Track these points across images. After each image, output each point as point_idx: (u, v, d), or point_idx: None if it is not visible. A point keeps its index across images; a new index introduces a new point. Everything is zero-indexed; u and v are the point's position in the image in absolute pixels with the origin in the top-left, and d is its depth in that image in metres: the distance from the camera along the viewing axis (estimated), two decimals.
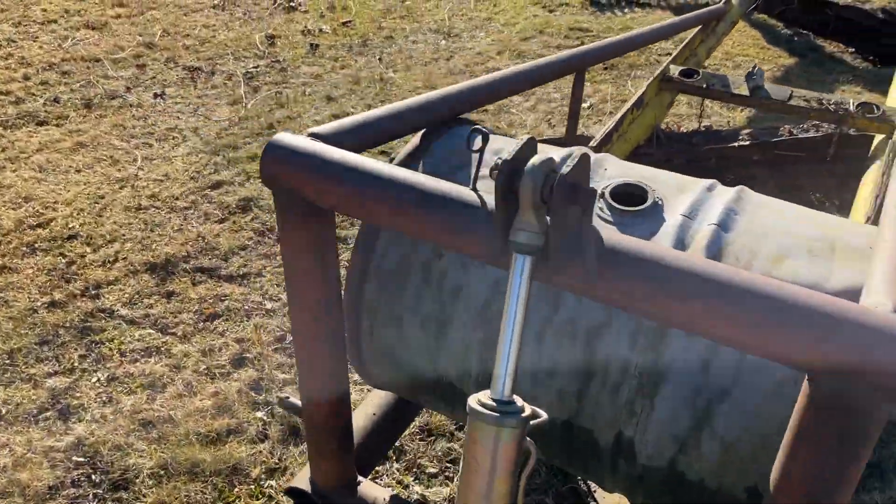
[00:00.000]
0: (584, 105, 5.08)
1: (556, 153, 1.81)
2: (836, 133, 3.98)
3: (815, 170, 4.09)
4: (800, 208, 1.85)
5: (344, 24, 6.72)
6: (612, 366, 1.61)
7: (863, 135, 3.97)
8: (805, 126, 4.20)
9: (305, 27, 6.62)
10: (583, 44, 5.92)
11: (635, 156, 3.91)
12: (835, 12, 5.85)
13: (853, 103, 3.82)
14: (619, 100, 5.13)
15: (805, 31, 6.13)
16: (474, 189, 1.45)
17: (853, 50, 5.84)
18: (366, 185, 1.48)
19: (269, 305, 3.33)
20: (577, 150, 1.32)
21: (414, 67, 5.81)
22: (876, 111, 3.75)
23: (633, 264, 1.19)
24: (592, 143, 3.37)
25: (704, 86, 4.10)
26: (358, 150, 1.61)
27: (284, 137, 1.60)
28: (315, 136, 1.69)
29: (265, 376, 2.94)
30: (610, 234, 1.24)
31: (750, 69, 4.00)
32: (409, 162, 1.93)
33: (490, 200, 1.36)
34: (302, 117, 5.00)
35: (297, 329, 1.77)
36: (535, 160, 1.26)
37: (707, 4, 6.83)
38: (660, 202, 1.82)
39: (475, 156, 1.51)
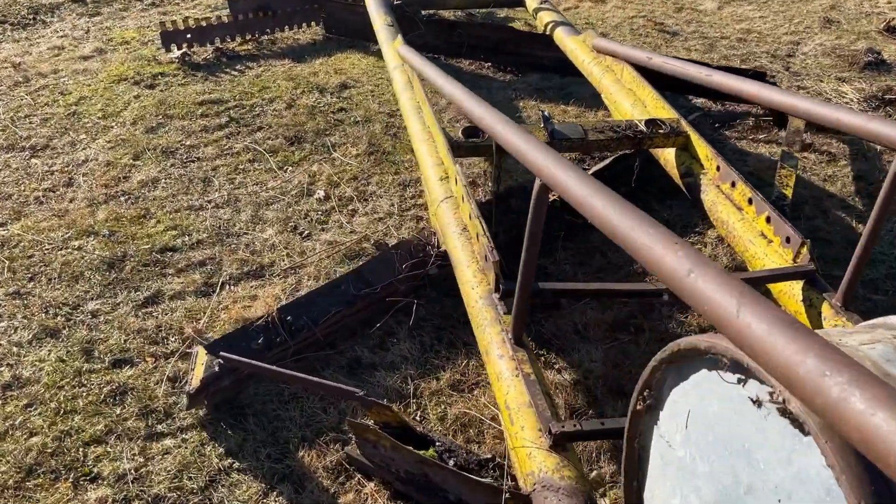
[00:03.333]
0: (318, 196, 4.02)
1: None
2: (635, 155, 3.83)
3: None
4: None
5: None
6: None
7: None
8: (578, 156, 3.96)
9: None
10: (232, 121, 4.78)
11: None
12: (467, 31, 5.77)
13: (642, 123, 3.68)
14: (350, 179, 4.20)
15: (436, 56, 5.94)
16: None
17: (490, 65, 5.87)
18: None
19: None
20: None
21: (29, 210, 3.91)
22: (664, 126, 3.68)
23: None
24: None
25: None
26: None
27: None
28: None
29: None
30: None
31: (542, 114, 3.56)
32: None
33: None
34: None
35: None
36: None
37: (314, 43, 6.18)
38: None
39: None
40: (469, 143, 3.52)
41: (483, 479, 2.13)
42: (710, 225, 3.69)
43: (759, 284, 2.96)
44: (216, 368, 2.56)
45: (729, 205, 3.27)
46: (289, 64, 5.81)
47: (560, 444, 2.10)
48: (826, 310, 2.68)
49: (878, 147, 4.50)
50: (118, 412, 2.68)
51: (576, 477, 2.03)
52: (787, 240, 2.90)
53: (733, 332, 1.17)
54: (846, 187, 4.10)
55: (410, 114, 4.07)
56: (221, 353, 2.45)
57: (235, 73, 5.66)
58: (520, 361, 2.38)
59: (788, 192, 3.51)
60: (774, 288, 2.94)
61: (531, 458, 2.10)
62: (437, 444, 2.31)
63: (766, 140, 4.63)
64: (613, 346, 2.98)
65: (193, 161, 4.42)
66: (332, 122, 4.87)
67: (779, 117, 4.79)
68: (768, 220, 3.02)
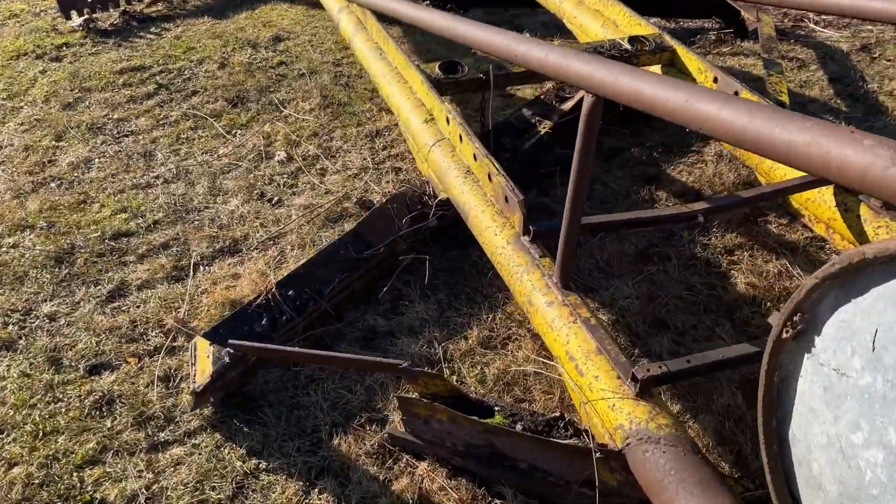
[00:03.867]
0: (279, 158, 3.63)
1: None
2: None
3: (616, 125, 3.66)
4: None
5: None
6: None
7: None
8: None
9: None
10: (160, 87, 4.32)
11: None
12: None
13: (625, 41, 3.46)
14: (310, 136, 3.81)
15: None
16: None
17: (427, 3, 5.50)
18: None
19: None
20: None
21: None
22: (648, 42, 3.46)
23: None
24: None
25: (483, 77, 3.24)
26: None
27: None
28: None
29: None
30: None
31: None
32: None
33: None
34: None
35: None
36: None
37: None
38: None
39: None
40: (449, 79, 3.21)
41: (567, 442, 1.89)
42: (705, 143, 3.53)
43: (785, 196, 2.80)
44: (226, 359, 2.21)
45: None
46: (210, 21, 5.28)
47: (646, 390, 1.89)
48: (865, 212, 2.54)
49: (845, 48, 4.43)
50: (109, 425, 2.30)
51: (673, 424, 1.82)
52: None
53: None
54: (825, 91, 4.00)
55: (370, 56, 3.71)
56: (231, 342, 2.10)
57: (152, 36, 5.10)
58: (574, 306, 2.14)
59: (785, 99, 3.36)
60: (800, 198, 2.80)
61: (616, 410, 1.87)
62: (498, 409, 2.06)
63: (731, 53, 4.49)
64: (641, 278, 2.78)
65: (127, 135, 3.92)
66: (273, 77, 4.44)
67: (739, 29, 4.66)
68: None
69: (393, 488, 2.08)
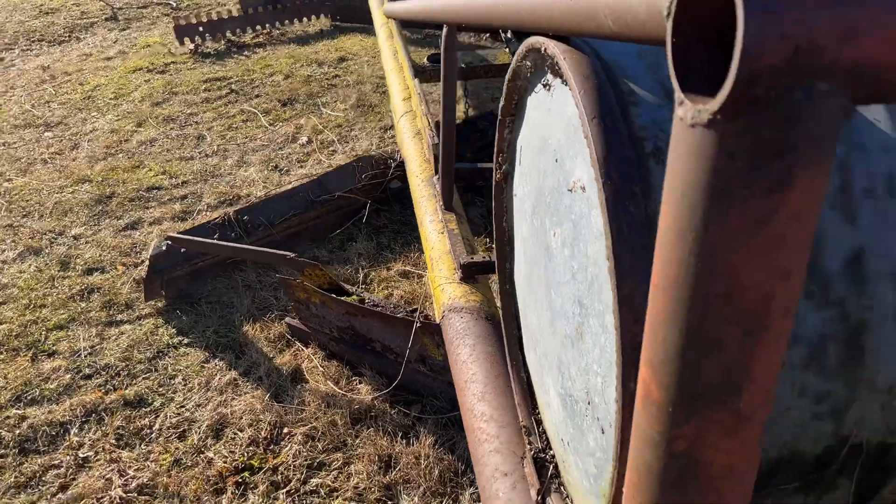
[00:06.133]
0: (301, 141, 4.17)
1: None
2: None
3: None
4: None
5: None
6: None
7: None
8: None
9: None
10: (232, 92, 4.99)
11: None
12: None
13: None
14: (334, 127, 4.34)
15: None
16: None
17: (487, 35, 5.99)
18: None
19: None
20: None
21: (34, 168, 4.16)
22: None
23: None
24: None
25: (463, 66, 3.61)
26: None
27: None
28: None
29: None
30: None
31: (506, 35, 3.63)
32: None
33: None
34: None
35: None
36: None
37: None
38: None
39: None
40: (434, 67, 3.61)
41: (399, 316, 2.17)
42: None
43: None
44: (163, 248, 2.68)
45: None
46: (293, 47, 6.05)
47: (470, 276, 2.13)
48: None
49: None
50: (83, 306, 2.82)
51: (481, 300, 2.05)
52: None
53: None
54: None
55: (387, 56, 4.20)
56: (168, 235, 2.57)
57: (243, 57, 5.92)
58: (447, 222, 2.42)
59: None
60: None
61: (444, 291, 2.13)
62: (368, 301, 2.36)
63: None
64: None
65: (191, 125, 4.63)
66: (325, 86, 5.05)
67: None
68: None
69: (275, 362, 2.43)
